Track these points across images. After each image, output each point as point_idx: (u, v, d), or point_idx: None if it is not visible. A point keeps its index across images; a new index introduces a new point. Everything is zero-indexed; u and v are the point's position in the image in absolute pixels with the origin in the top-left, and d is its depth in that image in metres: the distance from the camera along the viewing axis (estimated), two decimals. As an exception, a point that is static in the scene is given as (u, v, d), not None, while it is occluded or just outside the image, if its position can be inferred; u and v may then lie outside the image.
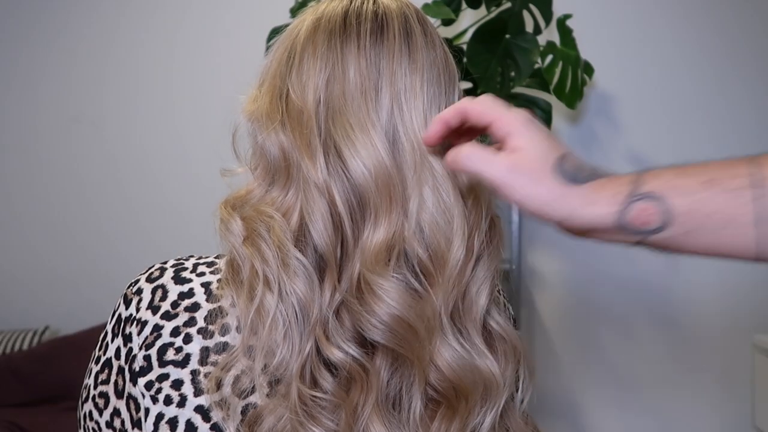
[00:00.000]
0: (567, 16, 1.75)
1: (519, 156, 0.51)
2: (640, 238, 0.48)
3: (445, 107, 0.60)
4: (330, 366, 0.55)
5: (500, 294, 0.67)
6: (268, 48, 1.64)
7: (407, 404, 0.56)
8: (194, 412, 0.55)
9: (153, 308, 0.58)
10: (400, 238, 0.56)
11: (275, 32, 1.74)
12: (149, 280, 0.60)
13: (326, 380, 0.55)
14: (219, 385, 0.54)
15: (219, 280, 0.59)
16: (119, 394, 0.58)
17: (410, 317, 0.54)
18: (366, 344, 0.56)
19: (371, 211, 0.56)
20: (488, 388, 0.58)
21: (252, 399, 0.54)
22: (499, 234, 0.62)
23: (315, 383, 0.54)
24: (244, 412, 0.54)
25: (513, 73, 1.65)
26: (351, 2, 0.62)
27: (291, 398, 0.53)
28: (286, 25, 0.67)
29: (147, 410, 0.56)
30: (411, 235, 0.56)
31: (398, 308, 0.54)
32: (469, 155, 0.52)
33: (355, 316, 0.55)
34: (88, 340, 2.29)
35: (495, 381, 0.58)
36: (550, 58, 1.75)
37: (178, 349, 0.56)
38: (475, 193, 0.60)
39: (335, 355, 0.54)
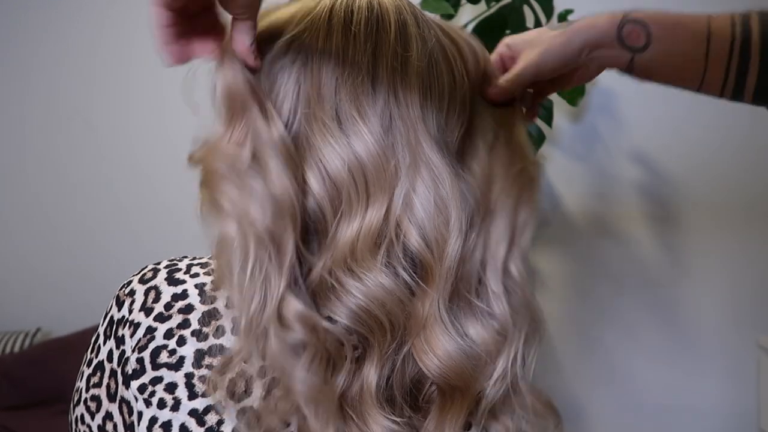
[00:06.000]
0: (568, 11, 1.74)
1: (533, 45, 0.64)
2: (631, 55, 0.61)
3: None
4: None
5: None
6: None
7: (404, 394, 0.55)
8: (188, 416, 0.54)
9: (146, 310, 0.57)
10: (388, 227, 0.54)
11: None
12: (142, 281, 0.59)
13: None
14: (215, 389, 0.53)
15: (213, 281, 0.57)
16: (112, 398, 0.57)
17: (389, 307, 0.53)
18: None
19: (363, 197, 0.54)
20: (484, 366, 0.56)
21: (248, 402, 0.53)
22: (498, 229, 0.60)
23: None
24: (239, 415, 0.53)
25: (514, 70, 1.63)
26: None
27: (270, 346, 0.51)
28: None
29: (140, 414, 0.54)
30: (402, 225, 0.54)
31: (373, 298, 0.53)
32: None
33: (337, 296, 0.53)
34: (80, 342, 2.28)
35: (488, 359, 0.56)
36: (551, 54, 1.73)
37: (172, 352, 0.55)
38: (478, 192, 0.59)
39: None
